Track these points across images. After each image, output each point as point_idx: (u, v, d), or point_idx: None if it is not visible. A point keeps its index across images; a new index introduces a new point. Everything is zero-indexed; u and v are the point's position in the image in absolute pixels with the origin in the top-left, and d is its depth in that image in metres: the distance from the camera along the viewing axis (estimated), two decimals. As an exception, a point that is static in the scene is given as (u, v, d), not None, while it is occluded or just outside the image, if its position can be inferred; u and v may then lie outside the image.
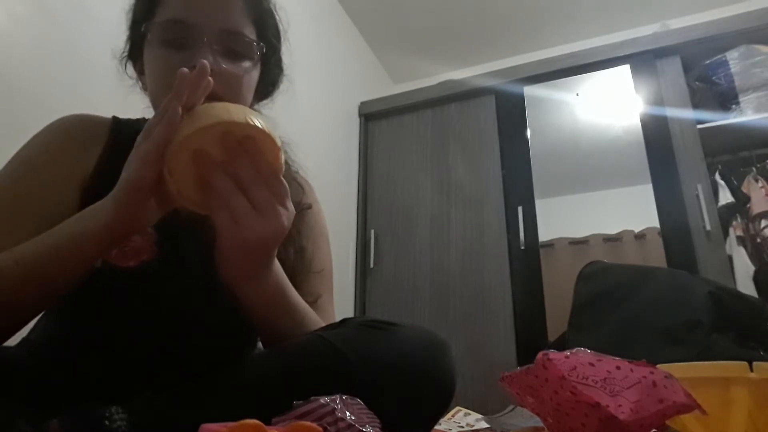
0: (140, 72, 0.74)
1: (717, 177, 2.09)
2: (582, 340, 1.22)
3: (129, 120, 0.78)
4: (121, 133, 0.73)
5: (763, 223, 1.95)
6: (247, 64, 0.69)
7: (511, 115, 2.37)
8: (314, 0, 2.44)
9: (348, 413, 0.41)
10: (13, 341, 0.64)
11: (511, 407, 0.81)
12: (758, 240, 1.95)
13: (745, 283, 1.87)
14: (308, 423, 0.36)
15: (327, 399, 0.42)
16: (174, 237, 0.67)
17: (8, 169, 0.68)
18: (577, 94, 2.36)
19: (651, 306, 1.20)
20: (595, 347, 0.49)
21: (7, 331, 0.58)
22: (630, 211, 2.14)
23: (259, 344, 0.78)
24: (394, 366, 0.57)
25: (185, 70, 0.52)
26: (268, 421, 0.36)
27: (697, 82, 2.15)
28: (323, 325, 0.68)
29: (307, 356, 0.58)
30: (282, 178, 0.54)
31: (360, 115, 2.71)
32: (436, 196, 2.41)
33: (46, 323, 0.69)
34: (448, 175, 2.42)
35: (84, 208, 0.66)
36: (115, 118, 0.77)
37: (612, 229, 2.15)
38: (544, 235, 2.14)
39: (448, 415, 1.03)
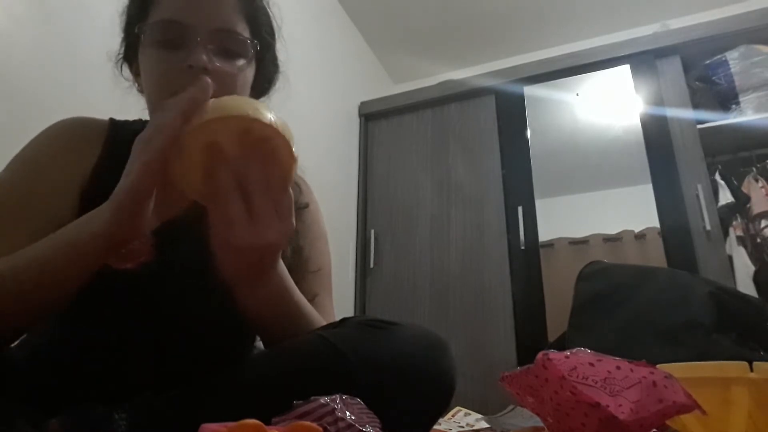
0: (136, 74, 0.74)
1: (717, 177, 2.09)
2: (582, 340, 1.22)
3: (126, 122, 0.78)
4: (119, 135, 0.73)
5: (763, 223, 1.95)
6: (241, 62, 0.69)
7: (511, 115, 2.37)
8: (314, 0, 2.44)
9: (348, 413, 0.41)
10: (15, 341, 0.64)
11: (511, 407, 0.81)
12: (758, 240, 1.95)
13: (745, 283, 1.87)
14: (308, 423, 0.36)
15: (327, 399, 0.42)
16: (172, 239, 0.67)
17: (6, 172, 0.68)
18: (577, 94, 2.36)
19: (651, 306, 1.20)
20: (595, 347, 0.49)
21: (4, 340, 0.58)
22: (630, 211, 2.15)
23: (259, 344, 0.78)
24: (394, 366, 0.57)
25: (197, 94, 0.50)
26: (268, 421, 0.36)
27: (697, 82, 2.15)
28: (328, 320, 0.68)
29: (307, 356, 0.58)
30: (289, 191, 0.53)
31: (360, 115, 2.71)
32: (436, 196, 2.41)
33: (46, 324, 0.69)
34: (448, 175, 2.42)
35: (83, 210, 0.66)
36: (112, 120, 0.77)
37: (612, 229, 2.15)
38: (544, 235, 2.14)
39: (448, 415, 1.03)
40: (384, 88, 3.05)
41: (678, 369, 0.58)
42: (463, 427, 0.95)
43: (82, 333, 0.66)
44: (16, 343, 0.65)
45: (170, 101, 0.50)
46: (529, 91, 2.37)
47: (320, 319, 0.69)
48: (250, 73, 0.72)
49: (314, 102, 2.27)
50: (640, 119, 2.12)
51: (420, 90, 2.68)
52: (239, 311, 0.63)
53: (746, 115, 2.01)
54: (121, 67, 0.76)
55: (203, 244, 0.54)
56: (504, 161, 2.31)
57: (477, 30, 2.89)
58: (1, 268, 0.54)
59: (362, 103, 2.73)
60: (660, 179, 2.01)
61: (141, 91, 0.75)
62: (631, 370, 0.45)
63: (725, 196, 2.04)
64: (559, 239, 2.19)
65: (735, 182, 2.09)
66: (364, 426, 0.41)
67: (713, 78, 2.11)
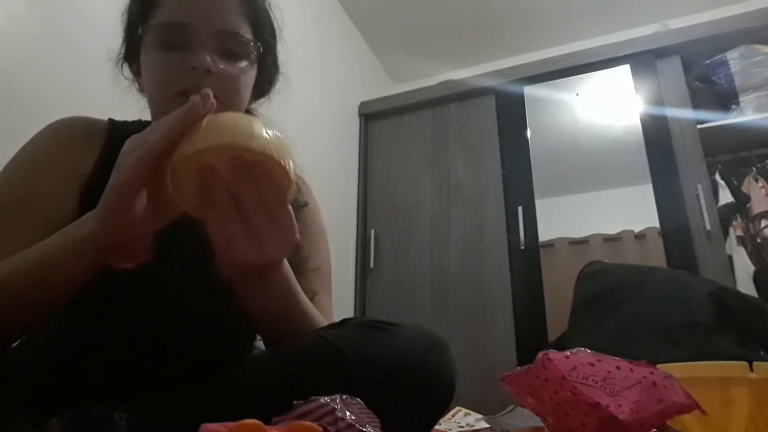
0: (137, 73, 0.74)
1: (717, 177, 2.09)
2: (582, 340, 1.22)
3: (126, 122, 0.78)
4: (119, 135, 0.73)
5: (763, 223, 1.95)
6: (244, 63, 0.70)
7: (511, 115, 2.37)
8: (314, 0, 2.44)
9: (348, 413, 0.41)
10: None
11: (511, 407, 0.81)
12: (758, 240, 1.95)
13: (745, 283, 1.87)
14: (308, 423, 0.36)
15: (327, 399, 0.42)
16: (171, 238, 0.67)
17: (6, 172, 0.68)
18: (577, 94, 2.36)
19: (651, 306, 1.20)
20: (595, 347, 0.49)
21: (4, 341, 0.58)
22: (630, 211, 2.15)
23: (260, 344, 0.78)
24: (394, 366, 0.57)
25: (197, 103, 0.49)
26: (268, 421, 0.36)
27: (697, 82, 2.15)
28: (327, 320, 0.68)
29: (307, 356, 0.58)
30: (288, 207, 0.52)
31: (360, 115, 2.71)
32: (436, 196, 2.41)
33: (46, 324, 0.69)
34: (448, 175, 2.42)
35: (82, 210, 0.66)
36: (111, 120, 0.77)
37: (612, 229, 2.15)
38: (544, 235, 2.14)
39: (448, 415, 1.03)
40: (384, 88, 3.05)
41: (678, 369, 0.58)
42: (463, 427, 0.95)
43: (82, 333, 0.66)
44: (16, 343, 0.65)
45: (162, 121, 0.49)
46: (529, 91, 2.37)
47: (322, 319, 0.69)
48: (252, 75, 0.72)
49: (314, 102, 2.27)
50: (640, 119, 2.12)
51: (420, 90, 2.68)
52: (241, 310, 0.63)
53: (746, 115, 2.01)
54: (122, 66, 0.76)
55: (203, 243, 0.54)
56: (504, 161, 2.31)
57: (477, 30, 2.89)
58: (1, 271, 0.54)
59: (362, 103, 2.73)
60: (660, 179, 2.01)
61: (141, 90, 0.75)
62: (631, 370, 0.45)
63: (725, 196, 2.04)
64: (559, 239, 2.19)
65: (735, 182, 2.09)
66: (364, 426, 0.41)
67: (713, 78, 2.11)
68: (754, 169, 2.08)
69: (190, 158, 0.47)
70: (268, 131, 0.49)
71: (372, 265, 2.39)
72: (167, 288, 0.67)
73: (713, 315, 1.10)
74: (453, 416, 1.03)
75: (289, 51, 0.83)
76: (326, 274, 0.81)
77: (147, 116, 0.75)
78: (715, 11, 2.49)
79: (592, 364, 0.45)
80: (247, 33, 0.70)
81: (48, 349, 0.66)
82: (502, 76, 2.46)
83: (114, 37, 0.77)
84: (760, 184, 2.03)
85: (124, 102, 0.77)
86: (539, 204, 2.18)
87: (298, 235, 0.54)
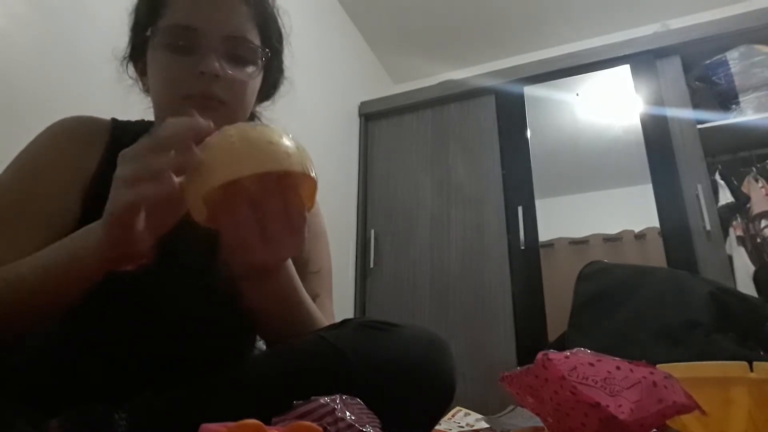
0: (141, 73, 0.74)
1: (717, 177, 2.09)
2: (582, 340, 1.22)
3: (129, 122, 0.78)
4: (122, 135, 0.73)
5: (763, 223, 1.95)
6: (251, 69, 0.70)
7: (511, 115, 2.37)
8: (314, 0, 2.43)
9: (348, 413, 0.41)
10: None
11: (511, 407, 0.81)
12: (758, 240, 1.95)
13: (745, 283, 1.87)
14: (308, 423, 0.36)
15: (327, 399, 0.42)
16: (172, 240, 0.67)
17: (8, 172, 0.67)
18: (577, 94, 2.36)
19: (651, 306, 1.20)
20: (595, 347, 0.49)
21: (4, 343, 0.58)
22: (630, 211, 2.15)
23: (260, 344, 0.78)
24: (394, 366, 0.57)
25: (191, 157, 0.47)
26: (268, 421, 0.36)
27: (697, 82, 2.15)
28: (328, 321, 0.68)
29: (307, 356, 0.58)
30: (305, 214, 0.53)
31: (360, 115, 2.71)
32: (436, 196, 2.41)
33: (47, 324, 0.69)
34: (448, 175, 2.42)
35: (85, 211, 0.66)
36: (114, 120, 0.76)
37: (612, 229, 2.15)
38: (544, 235, 2.14)
39: (448, 415, 1.02)
40: (384, 88, 3.05)
41: (678, 369, 0.58)
42: (463, 427, 0.95)
43: (83, 333, 0.66)
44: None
45: (166, 156, 0.46)
46: (529, 91, 2.37)
47: (323, 318, 0.69)
48: (258, 80, 0.72)
49: (314, 102, 2.27)
50: (640, 119, 2.12)
51: (420, 90, 2.67)
52: (245, 309, 0.63)
53: (746, 115, 2.01)
54: (127, 65, 0.76)
55: (203, 244, 0.54)
56: (504, 161, 2.31)
57: (477, 30, 2.89)
58: (6, 275, 0.54)
59: (362, 103, 2.73)
60: (660, 179, 2.01)
61: (146, 90, 0.75)
62: (631, 371, 0.45)
63: (725, 196, 2.04)
64: (559, 239, 2.19)
65: (735, 182, 2.09)
66: (364, 426, 0.41)
67: (713, 78, 2.11)
68: (754, 169, 2.08)
69: (224, 180, 0.46)
70: (296, 144, 0.49)
71: (372, 265, 2.39)
72: (167, 288, 0.67)
73: (713, 315, 1.10)
74: (453, 416, 1.03)
75: (289, 51, 0.83)
76: (327, 276, 0.81)
77: (149, 116, 0.75)
78: (715, 11, 2.49)
79: (592, 364, 0.45)
80: (255, 38, 0.70)
81: (48, 349, 0.66)
82: (502, 76, 2.46)
83: (114, 37, 0.77)
84: (760, 184, 2.03)
85: (124, 101, 0.77)
86: (539, 204, 2.18)
87: (306, 231, 0.54)
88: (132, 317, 0.65)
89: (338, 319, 0.69)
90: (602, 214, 2.26)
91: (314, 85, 2.30)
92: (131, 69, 0.76)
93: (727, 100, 2.09)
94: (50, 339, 0.68)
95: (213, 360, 0.66)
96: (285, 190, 0.51)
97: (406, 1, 2.72)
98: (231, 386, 0.58)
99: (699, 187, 1.92)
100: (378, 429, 0.42)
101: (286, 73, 0.82)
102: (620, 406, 0.43)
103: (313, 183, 0.50)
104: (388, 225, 2.45)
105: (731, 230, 1.99)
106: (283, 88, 0.82)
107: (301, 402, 0.42)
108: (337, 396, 0.43)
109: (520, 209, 2.19)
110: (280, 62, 0.79)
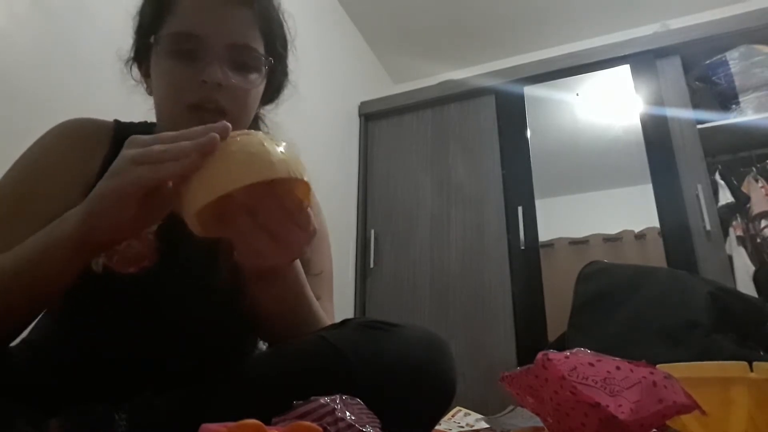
0: (145, 75, 0.74)
1: (717, 177, 2.09)
2: (582, 340, 1.22)
3: (131, 124, 0.78)
4: (125, 137, 0.73)
5: (763, 223, 1.95)
6: (254, 76, 0.70)
7: (511, 115, 2.37)
8: (314, 0, 2.43)
9: (348, 413, 0.41)
10: (13, 342, 0.64)
11: (511, 407, 0.81)
12: (758, 240, 1.95)
13: (745, 283, 1.87)
14: (308, 423, 0.36)
15: (327, 399, 0.42)
16: (174, 243, 0.67)
17: (11, 174, 0.68)
18: (577, 94, 2.36)
19: (651, 306, 1.20)
20: (595, 347, 0.49)
21: None
22: (630, 211, 2.14)
23: (261, 346, 0.78)
24: (394, 366, 0.57)
25: (215, 139, 0.48)
26: (268, 421, 0.36)
27: (697, 82, 2.15)
28: (330, 323, 0.69)
29: (307, 356, 0.58)
30: (307, 210, 0.53)
31: (360, 115, 2.71)
32: (436, 196, 2.41)
33: (47, 324, 0.69)
34: (448, 175, 2.42)
35: None
36: (117, 121, 0.76)
37: (612, 229, 2.15)
38: (544, 235, 2.14)
39: (448, 415, 1.02)
40: (384, 88, 3.05)
41: (678, 369, 0.58)
42: (463, 427, 0.95)
43: (83, 333, 0.66)
44: (16, 343, 0.65)
45: (176, 148, 0.48)
46: (529, 91, 2.37)
47: (325, 318, 0.69)
48: (262, 87, 0.73)
49: (314, 102, 2.27)
50: (640, 119, 2.12)
51: (420, 90, 2.67)
52: (246, 309, 0.63)
53: (746, 115, 2.01)
54: (131, 67, 0.76)
55: (204, 245, 0.54)
56: (504, 161, 2.31)
57: (477, 30, 2.89)
58: None
59: (362, 103, 2.72)
60: (660, 179, 2.01)
61: (149, 92, 0.75)
62: (631, 371, 0.45)
63: (725, 196, 2.04)
64: (559, 239, 2.19)
65: (735, 182, 2.09)
66: (364, 426, 0.41)
67: (713, 78, 2.11)
68: (754, 169, 2.08)
69: (212, 201, 0.46)
70: (281, 148, 0.49)
71: (372, 265, 2.39)
72: (168, 288, 0.67)
73: (713, 315, 1.10)
74: (453, 416, 1.03)
75: (293, 55, 0.83)
76: (328, 278, 0.82)
77: (152, 117, 0.75)
78: (715, 11, 2.49)
79: (592, 365, 0.45)
80: (259, 45, 0.70)
81: (48, 349, 0.66)
82: (502, 76, 2.46)
83: (116, 37, 0.77)
84: (760, 184, 2.03)
85: (126, 102, 0.77)
86: (539, 204, 2.18)
87: (316, 227, 0.55)
88: (132, 317, 0.65)
89: (338, 319, 0.69)
90: (602, 214, 2.26)
91: (314, 85, 2.30)
92: (135, 71, 0.76)
93: (727, 100, 2.09)
94: (50, 339, 0.68)
95: (213, 360, 0.66)
96: (278, 192, 0.51)
97: (406, 1, 2.72)
98: (231, 386, 0.58)
99: (699, 187, 1.92)
100: (378, 429, 0.42)
101: (289, 77, 0.82)
102: (620, 406, 0.43)
103: (304, 183, 0.50)
104: (388, 225, 2.45)
105: (731, 230, 1.99)
106: (287, 92, 0.83)
107: (301, 402, 0.42)
108: (337, 396, 0.43)
109: (520, 209, 2.19)
110: (285, 67, 0.79)
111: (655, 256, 1.93)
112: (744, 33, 2.07)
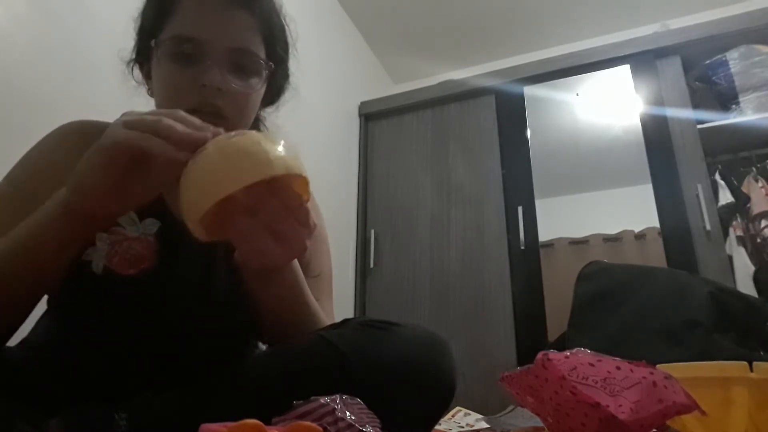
0: (147, 76, 0.74)
1: (717, 177, 2.09)
2: (582, 340, 1.22)
3: None
4: None
5: (763, 223, 1.95)
6: (254, 80, 0.70)
7: (511, 115, 2.37)
8: (314, 0, 2.44)
9: (348, 413, 0.41)
10: (13, 341, 0.64)
11: (511, 407, 0.81)
12: (758, 240, 1.95)
13: (745, 283, 1.87)
14: (308, 423, 0.36)
15: (327, 399, 0.42)
16: (174, 245, 0.67)
17: (11, 176, 0.68)
18: (577, 94, 2.36)
19: (651, 306, 1.20)
20: (595, 347, 0.50)
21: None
22: (630, 211, 2.14)
23: (260, 344, 0.79)
24: (394, 366, 0.57)
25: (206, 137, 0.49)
26: (268, 421, 0.36)
27: (697, 82, 2.15)
28: (329, 322, 0.69)
29: (307, 356, 0.58)
30: (306, 205, 0.54)
31: (360, 115, 2.71)
32: (436, 196, 2.41)
33: (47, 325, 0.69)
34: (448, 175, 2.42)
35: None
36: None
37: (612, 229, 2.15)
38: (544, 235, 2.14)
39: (448, 415, 1.03)
40: (384, 88, 3.05)
41: (678, 369, 0.58)
42: (463, 427, 0.95)
43: (83, 334, 0.66)
44: (16, 342, 0.65)
45: (177, 134, 0.48)
46: (529, 91, 2.37)
47: (324, 318, 0.69)
48: (262, 91, 0.73)
49: (314, 102, 2.27)
50: (640, 119, 2.12)
51: (420, 90, 2.67)
52: (246, 309, 0.63)
53: (746, 115, 2.01)
54: (132, 69, 0.76)
55: (203, 245, 0.54)
56: (504, 161, 2.31)
57: (477, 30, 2.89)
58: None
59: (362, 103, 2.72)
60: (660, 179, 2.01)
61: (151, 93, 0.75)
62: (631, 371, 0.45)
63: (725, 196, 2.04)
64: (559, 239, 2.19)
65: (735, 182, 2.08)
66: (364, 426, 0.41)
67: (713, 78, 2.11)
68: (754, 169, 2.08)
69: (215, 197, 0.46)
70: (278, 146, 0.49)
71: (372, 265, 2.39)
72: (168, 290, 0.67)
73: (713, 315, 1.10)
74: (453, 416, 1.03)
75: (294, 57, 0.83)
76: (327, 280, 0.82)
77: None
78: (715, 11, 2.49)
79: (592, 365, 0.45)
80: (259, 49, 0.70)
81: (48, 350, 0.66)
82: (502, 76, 2.46)
83: (116, 37, 0.77)
84: (760, 184, 2.03)
85: (127, 103, 0.77)
86: (539, 204, 2.18)
87: (315, 221, 0.55)
88: (132, 318, 0.65)
89: (338, 319, 0.69)
90: (602, 214, 2.26)
91: (314, 85, 2.30)
92: (137, 72, 0.76)
93: (727, 100, 2.09)
94: (51, 339, 0.68)
95: (213, 360, 0.66)
96: (278, 190, 0.52)
97: (406, 1, 2.72)
98: (231, 386, 0.58)
99: (699, 187, 1.91)
100: (378, 429, 0.42)
101: (290, 78, 0.82)
102: (620, 406, 0.43)
103: (303, 178, 0.51)
104: (388, 225, 2.45)
105: (731, 230, 1.99)
106: (287, 93, 0.83)
107: (301, 402, 0.42)
108: (337, 396, 0.43)
109: (520, 209, 2.19)
110: (286, 69, 0.79)
111: (655, 256, 1.93)
112: (744, 33, 2.07)
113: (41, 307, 0.66)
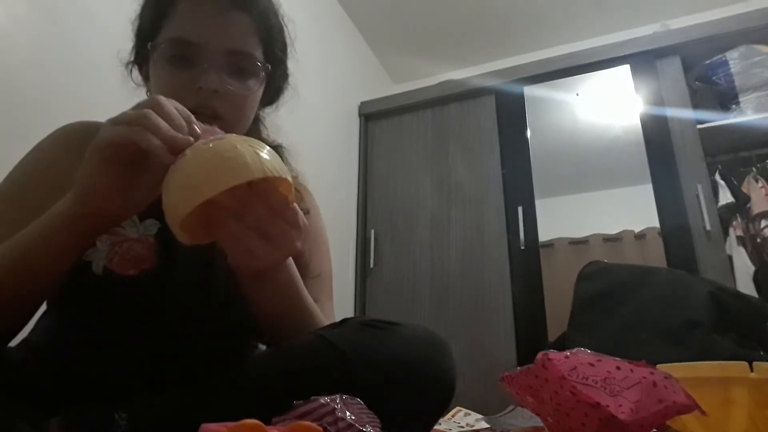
0: (146, 77, 0.74)
1: (717, 177, 2.09)
2: (582, 340, 1.22)
3: None
4: None
5: (763, 223, 1.95)
6: (252, 82, 0.70)
7: (511, 115, 2.37)
8: (314, 0, 2.44)
9: (348, 413, 0.41)
10: (14, 342, 0.64)
11: (511, 407, 0.81)
12: (758, 240, 1.95)
13: (745, 283, 1.87)
14: (308, 423, 0.36)
15: (327, 399, 0.42)
16: (174, 246, 0.67)
17: (12, 176, 0.68)
18: (577, 94, 2.36)
19: (651, 306, 1.20)
20: (595, 347, 0.50)
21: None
22: (630, 211, 2.14)
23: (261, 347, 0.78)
24: (394, 366, 0.57)
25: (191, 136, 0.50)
26: (268, 421, 0.36)
27: (697, 82, 2.15)
28: (329, 322, 0.69)
29: (307, 356, 0.58)
30: (294, 206, 0.54)
31: (360, 115, 2.71)
32: (436, 196, 2.41)
33: (47, 325, 0.69)
34: (448, 175, 2.42)
35: None
36: None
37: (612, 229, 2.15)
38: (544, 235, 2.14)
39: (448, 415, 1.03)
40: (384, 88, 3.05)
41: (678, 369, 0.58)
42: (463, 427, 0.95)
43: (83, 334, 0.66)
44: (16, 343, 0.65)
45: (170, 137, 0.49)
46: (529, 91, 2.37)
47: (324, 319, 0.69)
48: (259, 93, 0.73)
49: (314, 102, 2.27)
50: (640, 119, 2.12)
51: (420, 90, 2.67)
52: (246, 309, 0.63)
53: (746, 115, 2.01)
54: (131, 70, 0.76)
55: (204, 248, 0.54)
56: (504, 161, 2.31)
57: (477, 30, 2.89)
58: None
59: (362, 103, 2.72)
60: (660, 179, 2.01)
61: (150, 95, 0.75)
62: (631, 371, 0.45)
63: (725, 196, 2.04)
64: (559, 239, 2.19)
65: (735, 182, 2.08)
66: (364, 426, 0.41)
67: (713, 78, 2.11)
68: (754, 169, 2.08)
69: (195, 202, 0.46)
70: (258, 149, 0.49)
71: (372, 265, 2.39)
72: (168, 290, 0.67)
73: (713, 315, 1.10)
74: (453, 416, 1.03)
75: (293, 57, 0.83)
76: (327, 280, 0.82)
77: None
78: (715, 11, 2.49)
79: (592, 365, 0.45)
80: (257, 51, 0.70)
81: (48, 350, 0.66)
82: (502, 76, 2.46)
83: (116, 38, 0.77)
84: (760, 184, 2.03)
85: (125, 103, 0.77)
86: (539, 204, 2.18)
87: (306, 221, 0.55)
88: (132, 319, 0.65)
89: (338, 319, 0.69)
90: (602, 214, 2.26)
91: (314, 85, 2.30)
92: (136, 73, 0.76)
93: (727, 100, 2.09)
94: (51, 339, 0.68)
95: (213, 360, 0.66)
96: (262, 193, 0.52)
97: (406, 1, 2.72)
98: (231, 386, 0.58)
99: (699, 187, 1.91)
100: (378, 429, 0.42)
101: (289, 78, 0.82)
102: (620, 406, 0.43)
103: (283, 182, 0.50)
104: (388, 225, 2.45)
105: (731, 230, 1.99)
106: (287, 93, 0.83)
107: (301, 402, 0.42)
108: (337, 396, 0.43)
109: (520, 209, 2.19)
110: (285, 70, 0.79)
111: (655, 256, 1.93)
112: (744, 33, 2.07)
113: (41, 307, 0.66)
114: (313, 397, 0.42)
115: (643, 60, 2.19)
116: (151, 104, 0.51)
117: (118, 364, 0.64)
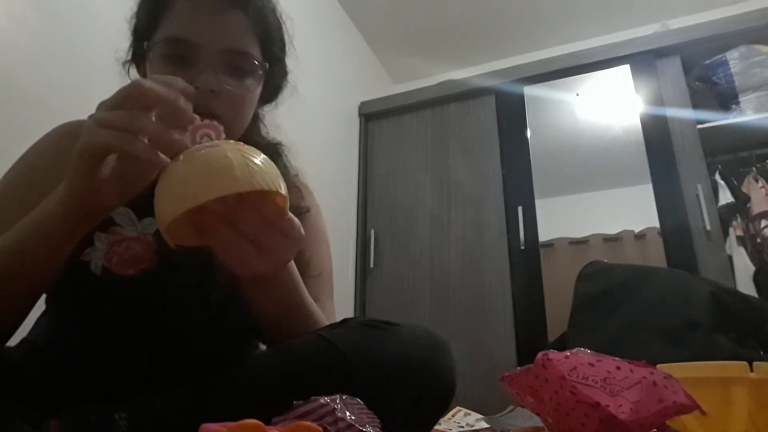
0: (143, 76, 0.74)
1: (717, 177, 2.09)
2: (582, 340, 1.22)
3: None
4: None
5: (763, 223, 1.95)
6: (249, 81, 0.69)
7: (511, 115, 2.37)
8: (314, 0, 2.44)
9: (348, 413, 0.41)
10: (13, 342, 0.64)
11: (511, 407, 0.81)
12: (758, 240, 1.95)
13: (745, 283, 1.87)
14: (308, 423, 0.36)
15: (327, 399, 0.42)
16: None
17: (10, 175, 0.68)
18: (577, 94, 2.36)
19: (651, 306, 1.20)
20: (595, 347, 0.50)
21: None
22: (630, 211, 2.14)
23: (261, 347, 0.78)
24: (394, 366, 0.57)
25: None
26: (268, 421, 0.36)
27: (697, 82, 2.15)
28: (329, 322, 0.68)
29: (307, 356, 0.58)
30: (289, 215, 0.52)
31: (360, 115, 2.71)
32: (436, 196, 2.41)
33: (46, 324, 0.69)
34: (448, 175, 2.42)
35: None
36: None
37: (612, 229, 2.15)
38: (544, 235, 2.14)
39: (448, 415, 1.03)
40: (384, 88, 3.05)
41: (678, 369, 0.58)
42: (463, 427, 0.95)
43: (83, 334, 0.66)
44: (15, 342, 0.65)
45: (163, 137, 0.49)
46: (529, 91, 2.37)
47: (324, 319, 0.69)
48: (257, 92, 0.72)
49: (314, 102, 2.27)
50: (640, 119, 2.12)
51: (420, 90, 2.67)
52: (246, 311, 0.63)
53: (746, 115, 2.01)
54: (129, 69, 0.76)
55: (203, 248, 0.54)
56: (504, 161, 2.31)
57: (477, 30, 2.89)
58: None
59: (362, 103, 2.72)
60: (660, 179, 2.01)
61: None
62: (631, 371, 0.45)
63: (725, 196, 2.04)
64: (559, 239, 2.19)
65: (735, 182, 2.08)
66: (364, 426, 0.41)
67: (713, 78, 2.11)
68: (754, 169, 2.08)
69: (183, 209, 0.46)
70: (251, 160, 0.48)
71: (372, 265, 2.39)
72: (167, 290, 0.67)
73: (713, 315, 1.10)
74: (453, 416, 1.03)
75: (291, 55, 0.83)
76: (328, 279, 0.81)
77: None
78: (715, 11, 2.49)
79: (591, 365, 0.45)
80: (254, 50, 0.70)
81: (48, 350, 0.66)
82: (502, 76, 2.46)
83: (115, 37, 0.77)
84: (760, 184, 2.03)
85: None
86: (539, 204, 2.18)
87: (303, 232, 0.54)
88: (131, 318, 0.65)
89: (338, 319, 0.69)
90: (602, 214, 2.26)
91: (314, 85, 2.30)
92: (133, 72, 0.76)
93: (727, 100, 2.09)
94: (50, 339, 0.68)
95: (213, 360, 0.66)
96: (255, 203, 0.51)
97: (406, 1, 2.72)
98: (231, 386, 0.58)
99: (699, 187, 1.91)
100: (378, 429, 0.42)
101: (288, 77, 0.82)
102: (620, 406, 0.43)
103: (276, 193, 0.49)
104: (388, 225, 2.45)
105: (731, 230, 1.99)
106: (287, 92, 0.82)
107: (301, 402, 0.42)
108: (337, 396, 0.43)
109: (520, 209, 2.19)
110: (283, 67, 0.79)
111: (655, 256, 1.93)
112: (744, 33, 2.07)
113: (40, 307, 0.66)
114: (313, 397, 0.42)
115: (643, 60, 2.19)
116: (136, 92, 0.48)
117: (118, 363, 0.64)
